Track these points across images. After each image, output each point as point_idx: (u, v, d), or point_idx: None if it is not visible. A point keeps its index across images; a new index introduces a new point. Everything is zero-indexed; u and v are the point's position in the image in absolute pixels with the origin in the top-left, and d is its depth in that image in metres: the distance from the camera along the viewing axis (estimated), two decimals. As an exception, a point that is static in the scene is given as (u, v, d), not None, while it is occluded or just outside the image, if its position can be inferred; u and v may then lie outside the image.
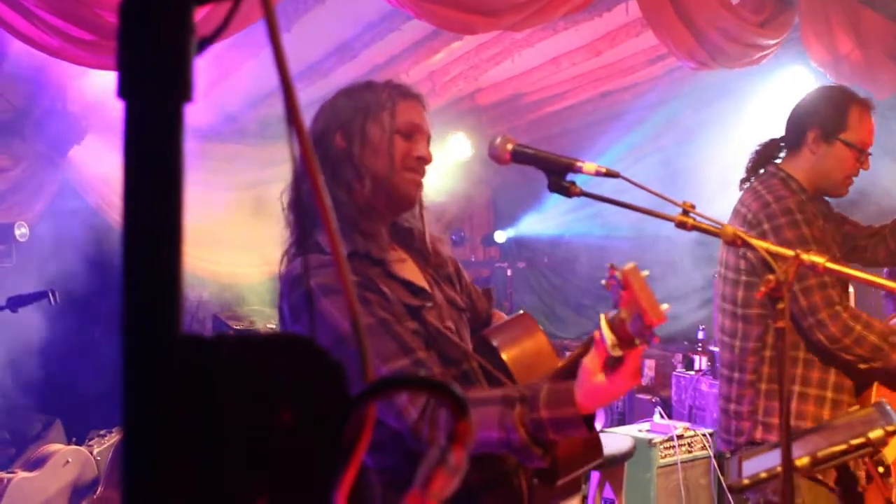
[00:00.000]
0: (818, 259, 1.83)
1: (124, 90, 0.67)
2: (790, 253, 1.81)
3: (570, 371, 1.91)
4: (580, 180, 1.99)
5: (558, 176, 1.97)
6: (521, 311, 2.38)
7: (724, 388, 3.33)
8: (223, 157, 6.44)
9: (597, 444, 2.04)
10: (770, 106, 6.51)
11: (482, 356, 2.15)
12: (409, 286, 2.12)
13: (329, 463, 0.70)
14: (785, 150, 3.33)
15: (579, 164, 1.95)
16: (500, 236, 9.88)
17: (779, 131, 3.36)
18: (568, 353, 2.08)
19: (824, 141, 3.19)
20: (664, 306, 1.65)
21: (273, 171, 6.04)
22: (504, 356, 2.16)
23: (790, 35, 5.45)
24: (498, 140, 2.05)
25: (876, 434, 1.97)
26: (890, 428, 1.96)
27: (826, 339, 3.01)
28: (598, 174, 1.92)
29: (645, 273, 1.70)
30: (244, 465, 0.67)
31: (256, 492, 0.67)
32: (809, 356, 3.12)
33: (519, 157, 2.03)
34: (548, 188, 1.97)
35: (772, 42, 5.34)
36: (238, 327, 6.96)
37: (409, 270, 2.20)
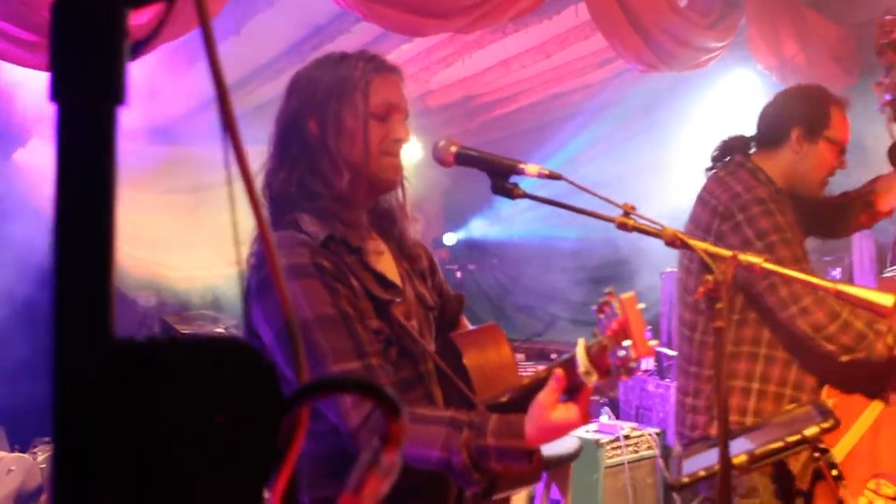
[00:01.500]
0: (755, 259, 1.86)
1: (56, 93, 0.67)
2: (727, 253, 1.83)
3: (527, 396, 1.92)
4: (527, 183, 2.00)
5: (501, 178, 1.97)
6: (492, 323, 2.39)
7: (681, 381, 3.24)
8: (174, 160, 6.38)
9: (537, 469, 2.06)
10: (717, 108, 6.60)
11: (444, 358, 2.15)
12: (381, 280, 2.10)
13: (264, 463, 0.70)
14: (756, 147, 3.25)
15: (522, 166, 1.95)
16: (450, 238, 9.89)
17: (726, 133, 3.32)
18: (526, 375, 2.09)
19: (808, 139, 3.14)
20: (653, 342, 1.70)
21: (225, 174, 5.96)
22: (466, 361, 2.17)
23: (736, 38, 5.53)
24: (442, 142, 2.05)
25: (811, 431, 2.00)
26: (825, 425, 2.00)
27: (810, 328, 2.87)
28: (540, 176, 1.93)
29: (641, 305, 1.75)
30: (178, 467, 0.67)
31: (190, 493, 0.67)
32: (771, 352, 3.02)
33: (462, 159, 2.03)
34: (491, 190, 1.98)
35: (719, 45, 5.41)
36: (186, 331, 6.89)
37: (385, 264, 2.18)
